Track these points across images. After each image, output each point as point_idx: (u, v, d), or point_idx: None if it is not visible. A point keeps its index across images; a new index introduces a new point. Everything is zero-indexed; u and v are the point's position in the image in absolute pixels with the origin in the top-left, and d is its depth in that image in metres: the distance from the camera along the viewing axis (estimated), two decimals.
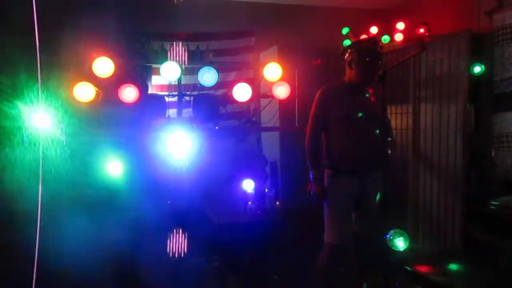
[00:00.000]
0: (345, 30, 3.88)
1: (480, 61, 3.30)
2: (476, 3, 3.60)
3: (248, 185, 3.46)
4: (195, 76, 3.00)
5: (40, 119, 1.91)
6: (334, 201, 2.47)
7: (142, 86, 3.21)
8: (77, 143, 2.71)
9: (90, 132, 2.88)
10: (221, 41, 4.53)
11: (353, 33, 3.80)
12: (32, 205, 1.75)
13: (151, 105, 3.17)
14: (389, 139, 2.58)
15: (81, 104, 2.75)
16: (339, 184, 2.48)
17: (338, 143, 2.48)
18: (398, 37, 3.87)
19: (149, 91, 3.99)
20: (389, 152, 2.51)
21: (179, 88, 3.34)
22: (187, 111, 3.37)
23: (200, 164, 3.17)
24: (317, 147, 2.52)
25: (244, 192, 3.48)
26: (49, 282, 2.09)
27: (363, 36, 3.69)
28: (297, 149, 3.38)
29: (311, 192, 2.49)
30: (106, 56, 2.78)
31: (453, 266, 2.94)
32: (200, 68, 2.97)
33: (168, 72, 2.93)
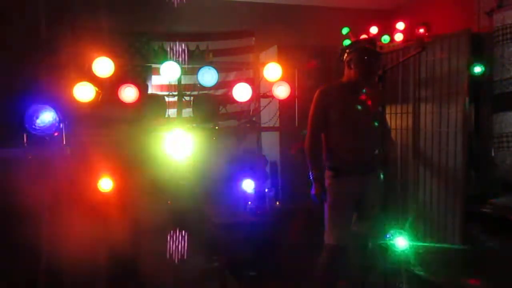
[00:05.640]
0: (345, 30, 3.88)
1: (480, 61, 3.30)
2: (476, 3, 3.60)
3: (248, 185, 3.45)
4: (195, 76, 3.00)
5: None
6: (334, 202, 2.47)
7: (142, 86, 3.21)
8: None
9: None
10: (221, 41, 4.53)
11: (353, 33, 3.80)
12: None
13: (151, 105, 3.17)
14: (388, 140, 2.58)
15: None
16: (339, 184, 2.47)
17: (338, 144, 2.47)
18: (398, 37, 3.87)
19: (149, 91, 3.99)
20: (389, 152, 2.51)
21: (179, 88, 3.34)
22: (187, 111, 3.37)
23: (200, 164, 3.17)
24: (317, 147, 2.52)
25: (244, 192, 3.48)
26: None
27: (363, 36, 3.70)
28: (297, 149, 3.38)
29: (312, 193, 2.49)
30: (106, 56, 2.78)
31: (453, 266, 2.94)
32: (200, 68, 2.97)
33: (168, 72, 2.93)
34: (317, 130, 2.50)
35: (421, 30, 3.62)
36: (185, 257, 3.03)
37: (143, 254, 2.99)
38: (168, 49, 4.13)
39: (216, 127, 3.41)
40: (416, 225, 3.59)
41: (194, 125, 3.25)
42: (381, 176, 2.51)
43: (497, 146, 3.29)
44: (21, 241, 2.58)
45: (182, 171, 3.14)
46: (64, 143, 2.82)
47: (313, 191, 2.48)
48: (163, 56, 3.67)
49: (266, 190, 3.62)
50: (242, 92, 2.96)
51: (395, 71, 3.67)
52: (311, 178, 2.50)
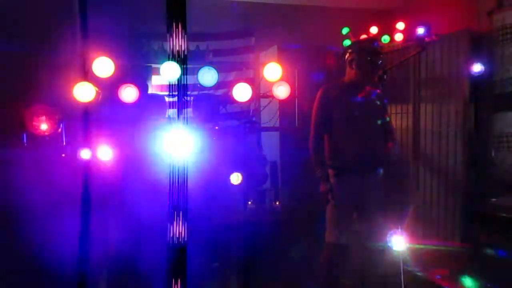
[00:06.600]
0: (345, 30, 3.87)
1: (480, 61, 3.29)
2: (476, 3, 3.60)
3: (235, 179, 3.26)
4: (195, 76, 2.99)
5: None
6: (336, 201, 2.47)
7: (142, 86, 3.21)
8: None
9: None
10: (221, 41, 4.52)
11: (353, 33, 3.80)
12: None
13: (151, 105, 3.17)
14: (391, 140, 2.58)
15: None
16: (341, 184, 2.48)
17: (340, 143, 2.48)
18: (398, 37, 3.87)
19: (149, 91, 3.99)
20: (392, 151, 2.52)
21: (179, 88, 3.34)
22: (187, 111, 3.36)
23: (200, 164, 3.16)
24: (321, 146, 2.53)
25: (244, 192, 3.46)
26: None
27: (363, 36, 3.69)
28: (297, 149, 3.37)
29: (319, 191, 2.49)
30: (106, 56, 2.78)
31: (453, 266, 2.94)
32: (200, 68, 2.97)
33: (168, 72, 2.92)
34: (320, 128, 2.51)
35: (421, 30, 3.62)
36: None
37: (142, 254, 2.99)
38: (168, 49, 4.12)
39: (216, 127, 3.41)
40: (416, 225, 3.59)
41: (194, 125, 3.25)
42: (382, 175, 2.51)
43: (497, 146, 3.28)
44: (21, 241, 2.58)
45: (182, 171, 3.13)
46: (64, 143, 2.82)
47: (320, 189, 2.49)
48: (163, 56, 3.64)
49: (266, 190, 3.62)
50: (242, 92, 2.95)
51: (395, 71, 3.67)
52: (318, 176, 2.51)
